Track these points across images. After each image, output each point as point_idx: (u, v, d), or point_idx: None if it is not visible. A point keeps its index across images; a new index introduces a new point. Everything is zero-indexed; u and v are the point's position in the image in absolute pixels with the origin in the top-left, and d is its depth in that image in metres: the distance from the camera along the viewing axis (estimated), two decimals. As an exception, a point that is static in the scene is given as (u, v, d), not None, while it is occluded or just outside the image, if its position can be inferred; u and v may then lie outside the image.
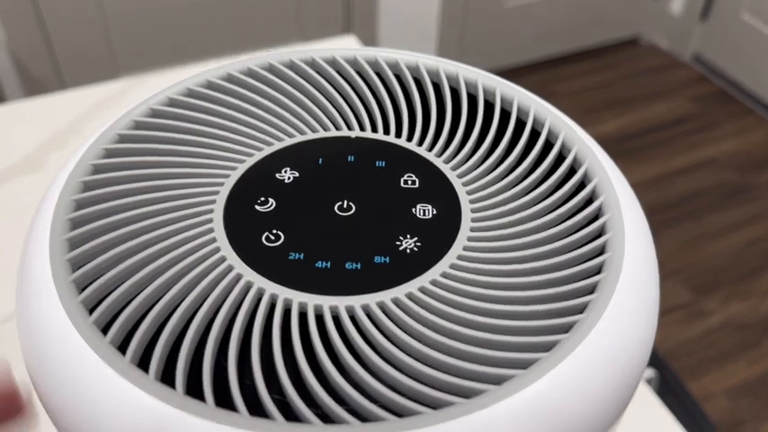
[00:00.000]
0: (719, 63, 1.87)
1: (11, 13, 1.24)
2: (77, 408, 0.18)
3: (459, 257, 0.21)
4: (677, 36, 1.94)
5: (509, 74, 1.80)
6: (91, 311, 0.19)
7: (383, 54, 0.28)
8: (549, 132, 0.25)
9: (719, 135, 1.70)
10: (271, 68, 0.27)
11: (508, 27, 1.78)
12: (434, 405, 0.17)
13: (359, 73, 0.28)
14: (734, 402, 1.16)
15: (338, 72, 0.28)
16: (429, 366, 0.18)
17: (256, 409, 0.17)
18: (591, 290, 0.20)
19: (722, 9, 1.82)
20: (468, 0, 1.66)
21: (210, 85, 0.26)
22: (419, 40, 1.67)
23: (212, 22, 1.41)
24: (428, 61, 0.28)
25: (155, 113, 0.25)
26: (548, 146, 0.25)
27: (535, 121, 0.26)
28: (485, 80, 0.27)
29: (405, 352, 0.19)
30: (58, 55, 1.33)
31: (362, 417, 0.17)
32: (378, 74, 0.28)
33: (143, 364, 0.18)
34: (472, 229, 0.22)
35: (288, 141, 0.25)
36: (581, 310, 0.19)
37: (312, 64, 0.28)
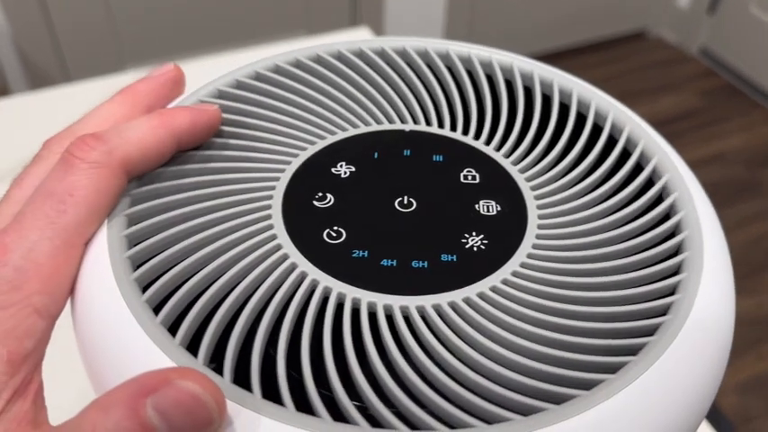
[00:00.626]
0: (727, 57, 1.86)
1: (15, 4, 1.22)
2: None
3: (530, 256, 0.20)
4: (684, 30, 1.93)
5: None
6: (144, 290, 0.19)
7: (434, 45, 0.27)
8: (614, 129, 0.24)
9: (727, 130, 1.69)
10: (319, 59, 0.27)
11: (516, 19, 1.77)
12: (521, 410, 0.17)
13: (409, 64, 0.27)
14: (743, 398, 1.16)
15: (388, 63, 0.27)
16: (507, 368, 0.18)
17: (303, 403, 0.17)
18: (665, 311, 0.19)
19: (730, 2, 1.81)
20: (476, -8, 1.65)
21: (259, 77, 0.26)
22: (426, 30, 1.66)
23: (218, 14, 1.40)
24: (481, 52, 0.27)
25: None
26: (612, 143, 0.24)
27: (597, 115, 0.25)
28: (540, 71, 0.26)
29: (480, 353, 0.18)
30: (63, 47, 1.31)
31: (445, 422, 0.17)
32: (428, 65, 0.27)
33: (192, 347, 0.18)
34: (540, 227, 0.21)
35: (340, 135, 0.24)
36: (651, 332, 0.18)
37: (360, 55, 0.27)
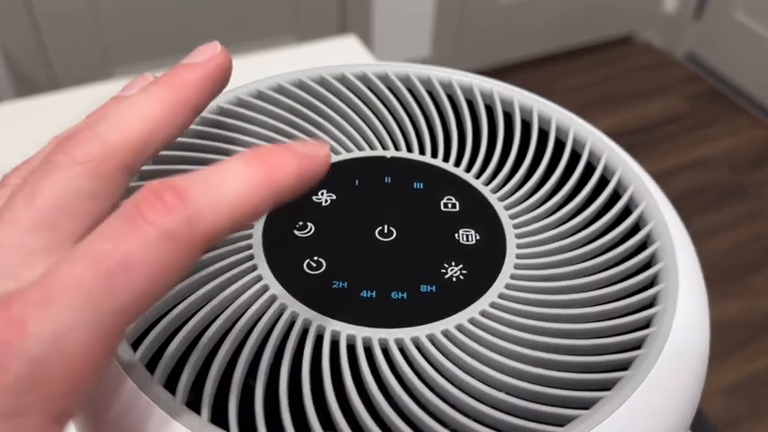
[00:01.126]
0: (713, 62, 1.87)
1: (1, 11, 1.22)
2: (103, 421, 0.17)
3: (508, 287, 0.21)
4: (671, 34, 1.95)
5: (504, 71, 1.80)
6: None
7: (414, 70, 0.27)
8: (592, 156, 0.24)
9: (713, 134, 1.70)
10: (301, 84, 0.27)
11: (503, 25, 1.78)
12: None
13: (390, 89, 0.27)
14: (729, 401, 1.17)
15: (369, 89, 0.27)
16: (482, 402, 0.18)
17: None
18: (639, 344, 0.19)
19: (716, 8, 1.83)
20: (464, -3, 1.66)
21: (240, 103, 0.26)
22: (414, 37, 1.66)
23: (207, 20, 1.40)
24: (462, 78, 0.27)
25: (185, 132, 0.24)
26: (590, 170, 0.24)
27: (575, 142, 0.25)
28: (520, 97, 0.27)
29: (457, 387, 0.18)
30: (50, 53, 1.31)
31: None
32: (410, 90, 0.27)
33: (171, 382, 0.18)
34: (518, 256, 0.22)
35: (322, 162, 0.25)
36: (626, 365, 0.19)
37: (342, 80, 0.27)
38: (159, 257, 0.14)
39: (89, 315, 0.13)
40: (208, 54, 0.19)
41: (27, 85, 1.31)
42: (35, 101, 0.62)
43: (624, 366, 0.18)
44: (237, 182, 0.15)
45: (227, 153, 0.24)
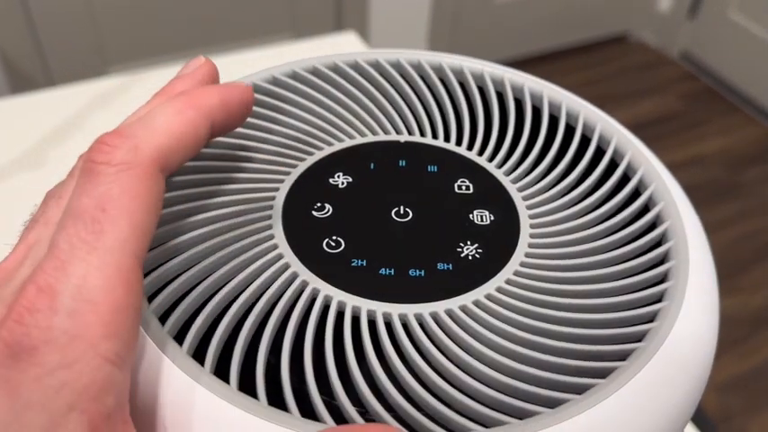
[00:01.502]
0: (707, 60, 1.89)
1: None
2: (134, 393, 0.18)
3: (522, 264, 0.21)
4: (665, 33, 1.96)
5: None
6: (150, 300, 0.19)
7: (426, 57, 0.28)
8: (602, 140, 0.25)
9: (707, 132, 1.72)
10: (315, 71, 0.27)
11: (498, 23, 1.79)
12: (516, 414, 0.17)
13: (403, 76, 0.28)
14: (723, 397, 1.18)
15: (382, 75, 0.28)
16: (502, 373, 0.18)
17: (305, 409, 0.17)
18: (652, 317, 0.20)
19: (710, 7, 1.84)
20: (460, -4, 1.66)
21: (257, 89, 0.26)
22: (410, 36, 1.66)
23: (203, 17, 1.40)
24: (473, 65, 0.28)
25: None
26: (600, 153, 0.25)
27: (585, 127, 0.26)
28: (531, 84, 0.27)
29: (476, 359, 0.19)
30: (46, 51, 1.31)
31: (442, 425, 0.17)
32: (422, 77, 0.28)
33: (198, 355, 0.18)
34: (532, 236, 0.22)
35: (337, 146, 0.25)
36: (640, 338, 0.19)
37: (356, 67, 0.28)
38: (125, 189, 0.16)
39: (95, 260, 0.15)
40: (195, 66, 0.22)
41: (23, 82, 1.31)
42: (30, 97, 0.62)
43: (638, 339, 0.19)
44: (166, 109, 0.18)
45: (247, 137, 0.25)
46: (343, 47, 0.70)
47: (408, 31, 1.66)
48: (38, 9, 1.25)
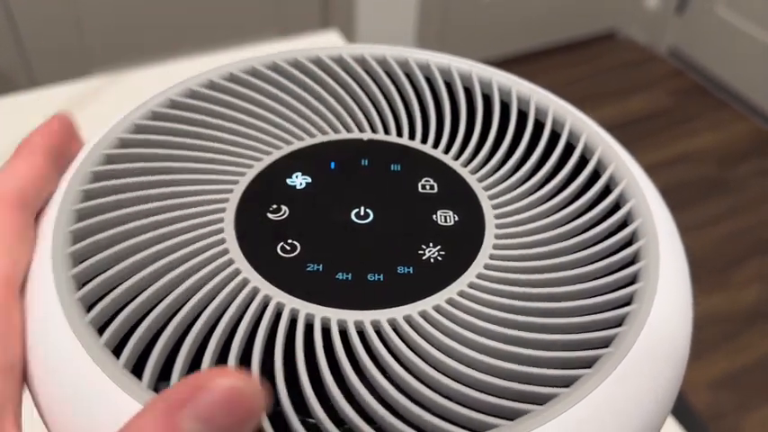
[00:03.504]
0: (695, 57, 1.89)
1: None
2: (66, 408, 0.17)
3: (487, 267, 0.20)
4: (653, 30, 1.96)
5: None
6: (88, 310, 0.18)
7: (392, 52, 0.27)
8: (572, 136, 0.24)
9: (697, 128, 1.72)
10: (275, 67, 0.26)
11: (487, 21, 1.78)
12: (473, 427, 0.16)
13: (367, 72, 0.27)
14: (716, 394, 1.17)
15: (346, 71, 0.27)
16: (462, 384, 0.17)
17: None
18: (620, 322, 0.19)
19: (697, 3, 1.84)
20: (448, -6, 1.66)
21: (213, 86, 0.25)
22: (397, 36, 1.66)
23: (187, 16, 1.39)
24: (440, 60, 0.27)
25: (155, 116, 0.24)
26: (570, 150, 0.24)
27: (554, 123, 0.25)
28: (499, 78, 0.26)
29: (435, 368, 0.18)
30: (28, 51, 1.29)
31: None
32: (387, 73, 0.27)
33: (138, 369, 0.17)
34: (497, 236, 0.21)
35: (297, 144, 0.24)
36: (607, 343, 0.18)
37: (318, 62, 0.27)
38: None
39: None
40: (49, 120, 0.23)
41: (5, 84, 1.30)
42: (13, 98, 0.62)
43: (606, 344, 0.18)
44: (7, 162, 0.21)
45: (200, 136, 0.23)
46: (324, 45, 0.69)
47: (395, 31, 1.65)
48: (20, 11, 1.24)
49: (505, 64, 1.85)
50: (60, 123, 0.22)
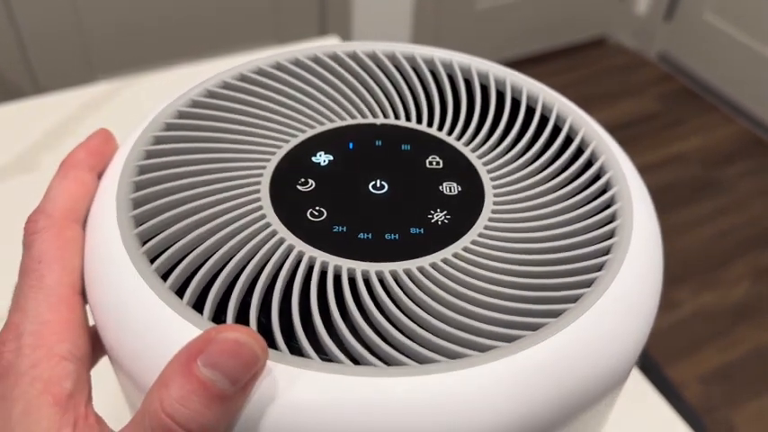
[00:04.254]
0: (684, 61, 1.93)
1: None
2: (138, 345, 0.20)
3: (486, 227, 0.24)
4: (642, 36, 2.00)
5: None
6: (152, 261, 0.22)
7: (401, 48, 0.31)
8: (559, 119, 0.28)
9: (685, 131, 1.76)
10: (297, 62, 0.30)
11: (480, 28, 1.82)
12: (478, 348, 0.20)
13: (378, 66, 0.30)
14: (707, 389, 1.20)
15: (359, 65, 0.30)
16: (467, 317, 0.21)
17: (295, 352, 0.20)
18: (599, 267, 0.22)
19: (686, 9, 1.88)
20: (441, 2, 1.69)
21: (243, 78, 0.29)
22: (393, 41, 1.69)
23: (188, 23, 1.42)
24: (443, 54, 0.30)
25: (196, 104, 0.27)
26: (557, 131, 0.28)
27: (544, 108, 0.28)
28: (496, 71, 0.30)
29: (446, 307, 0.21)
30: (33, 58, 1.32)
31: (416, 360, 0.20)
32: (396, 66, 0.30)
33: (197, 308, 0.20)
34: (495, 203, 0.25)
35: (319, 128, 0.27)
36: (588, 284, 0.22)
37: (335, 58, 0.30)
38: (50, 244, 0.22)
39: (42, 295, 0.21)
40: (91, 135, 0.26)
41: (10, 91, 1.32)
42: (18, 105, 0.63)
43: (587, 285, 0.22)
44: (53, 181, 0.24)
45: (234, 122, 0.27)
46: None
47: (391, 36, 1.69)
48: (24, 18, 1.27)
49: (498, 70, 1.89)
50: (101, 138, 0.26)
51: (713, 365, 1.24)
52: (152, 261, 0.22)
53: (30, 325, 0.20)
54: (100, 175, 0.25)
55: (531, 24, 1.89)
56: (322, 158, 0.26)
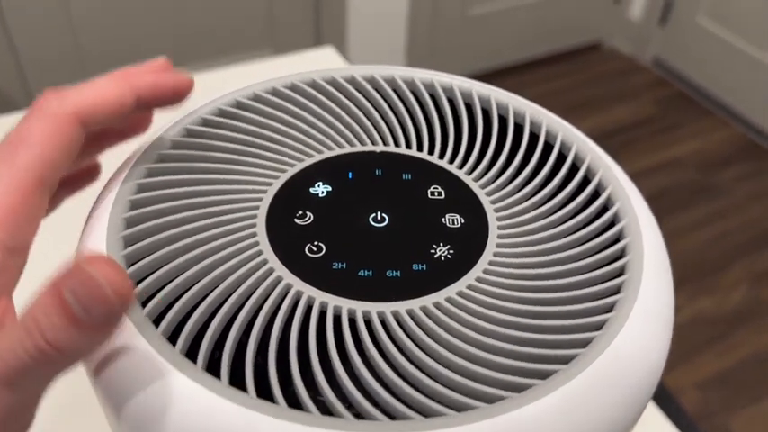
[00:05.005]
0: (678, 66, 1.93)
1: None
2: (127, 390, 0.19)
3: (491, 263, 0.23)
4: (637, 41, 2.00)
5: (477, 80, 1.83)
6: (143, 305, 0.21)
7: (399, 72, 0.30)
8: (564, 147, 0.27)
9: (681, 136, 1.76)
10: (294, 87, 0.29)
11: (475, 34, 1.82)
12: (485, 399, 0.19)
13: (377, 90, 0.29)
14: (704, 395, 1.20)
15: (358, 90, 0.29)
16: (473, 363, 0.20)
17: (292, 403, 0.19)
18: (610, 308, 0.21)
19: (680, 14, 1.88)
20: (436, 9, 1.69)
21: (239, 105, 0.28)
22: (388, 49, 1.69)
23: (183, 34, 1.41)
24: (443, 78, 0.30)
25: (190, 133, 0.26)
26: (562, 159, 0.27)
27: (548, 135, 0.28)
28: (497, 95, 0.29)
29: (450, 351, 0.20)
30: (26, 71, 1.31)
31: (420, 412, 0.19)
32: (395, 91, 0.30)
33: (190, 355, 0.20)
34: (500, 237, 0.24)
35: (317, 157, 0.27)
36: (599, 327, 0.21)
37: (333, 83, 0.29)
38: (44, 128, 0.21)
39: (5, 172, 0.20)
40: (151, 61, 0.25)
41: (3, 103, 1.31)
42: (11, 117, 0.63)
43: (598, 327, 0.21)
44: (100, 81, 0.23)
45: (229, 151, 0.26)
46: (321, 61, 0.72)
47: (386, 44, 1.68)
48: (16, 27, 1.26)
49: (493, 75, 1.89)
50: (159, 67, 0.25)
51: (711, 371, 1.24)
52: (143, 304, 0.21)
53: None
54: (138, 100, 0.24)
55: (525, 30, 1.89)
56: (320, 189, 0.25)
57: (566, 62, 1.98)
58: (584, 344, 0.20)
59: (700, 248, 1.45)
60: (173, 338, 0.20)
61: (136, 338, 0.20)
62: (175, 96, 0.24)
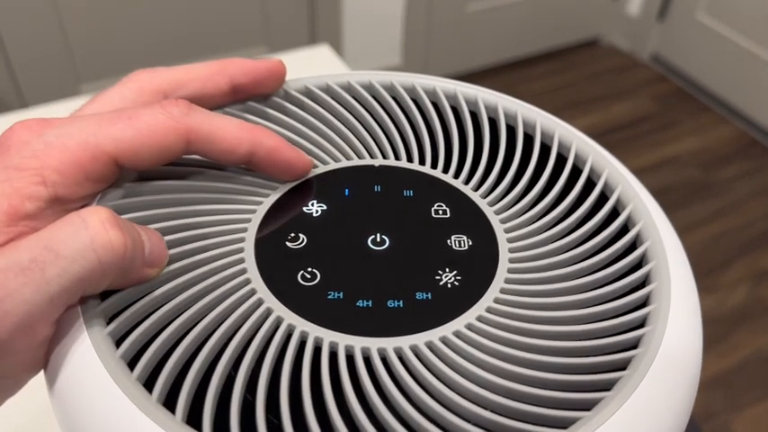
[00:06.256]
0: (677, 62, 1.91)
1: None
2: None
3: (503, 291, 0.21)
4: (636, 37, 1.98)
5: (474, 77, 1.81)
6: (118, 344, 0.18)
7: (398, 78, 0.28)
8: (578, 158, 0.25)
9: (680, 133, 1.74)
10: (286, 96, 0.27)
11: (471, 31, 1.80)
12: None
13: (375, 98, 0.27)
14: (706, 395, 1.19)
15: (355, 98, 0.27)
16: (482, 407, 0.18)
17: None
18: (635, 344, 0.19)
19: (678, 10, 1.87)
20: (432, 5, 1.67)
21: (229, 115, 0.25)
22: (384, 46, 1.66)
23: (176, 32, 1.39)
24: (446, 85, 0.27)
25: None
26: (577, 173, 0.25)
27: (560, 146, 0.25)
28: (504, 102, 0.27)
29: (458, 393, 0.18)
30: (17, 71, 1.29)
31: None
32: (395, 99, 0.27)
33: (169, 401, 0.18)
34: (511, 261, 0.22)
35: (311, 172, 0.24)
36: (624, 366, 0.19)
37: (327, 90, 0.27)
38: (152, 126, 0.21)
39: (91, 129, 0.20)
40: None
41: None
42: (3, 119, 0.61)
43: (622, 366, 0.19)
44: (198, 66, 0.25)
45: (207, 177, 0.24)
46: (316, 59, 0.70)
47: (382, 41, 1.66)
48: (8, 30, 1.23)
49: (491, 72, 1.87)
50: (269, 67, 0.25)
51: (712, 371, 1.22)
52: (117, 344, 0.19)
53: (54, 136, 0.19)
54: (234, 90, 0.25)
55: (523, 26, 1.86)
56: (314, 208, 0.23)
57: (563, 59, 1.96)
58: (608, 386, 0.18)
59: (700, 247, 1.43)
60: (149, 383, 0.18)
61: (108, 386, 0.17)
62: (273, 83, 0.25)
